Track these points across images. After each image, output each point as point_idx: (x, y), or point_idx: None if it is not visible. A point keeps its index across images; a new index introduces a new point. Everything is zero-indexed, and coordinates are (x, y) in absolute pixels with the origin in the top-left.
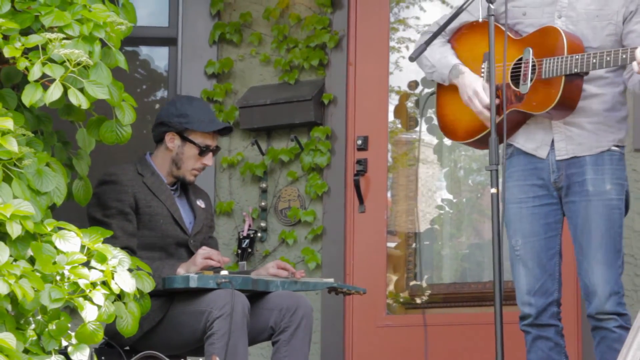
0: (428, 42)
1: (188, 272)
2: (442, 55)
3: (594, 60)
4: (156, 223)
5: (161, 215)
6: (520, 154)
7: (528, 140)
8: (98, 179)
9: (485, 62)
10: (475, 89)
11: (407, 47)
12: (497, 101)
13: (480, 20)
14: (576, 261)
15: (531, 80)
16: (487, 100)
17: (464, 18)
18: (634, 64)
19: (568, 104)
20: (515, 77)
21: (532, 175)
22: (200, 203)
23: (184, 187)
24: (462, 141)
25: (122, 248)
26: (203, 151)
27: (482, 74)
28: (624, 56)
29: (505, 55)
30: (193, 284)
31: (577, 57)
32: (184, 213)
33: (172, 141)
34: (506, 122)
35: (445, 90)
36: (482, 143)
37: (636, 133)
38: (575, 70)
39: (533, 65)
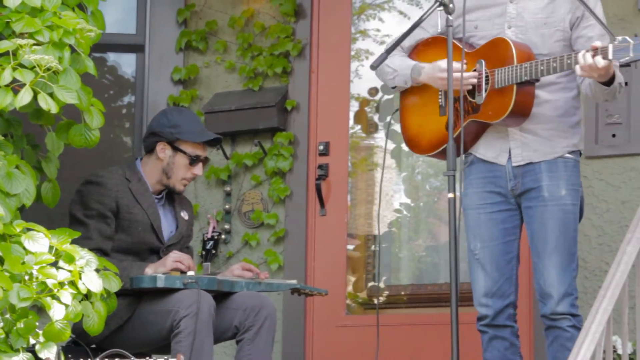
0: (389, 51)
1: (156, 272)
2: (402, 60)
3: (542, 67)
4: (134, 230)
5: (141, 223)
6: (479, 162)
7: (488, 149)
8: (85, 177)
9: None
10: (441, 66)
11: (367, 57)
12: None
13: (439, 30)
14: (532, 264)
15: (486, 90)
16: (458, 65)
17: (419, 35)
18: (577, 67)
19: (522, 111)
20: (470, 89)
21: (490, 183)
22: (184, 215)
23: (171, 197)
24: (427, 154)
25: (95, 249)
26: (193, 161)
27: (440, 94)
28: (569, 61)
29: (463, 66)
30: (160, 283)
31: (526, 65)
32: (165, 222)
33: (163, 151)
34: (466, 133)
35: (408, 105)
36: (444, 155)
37: (586, 141)
38: (525, 78)
39: (487, 76)
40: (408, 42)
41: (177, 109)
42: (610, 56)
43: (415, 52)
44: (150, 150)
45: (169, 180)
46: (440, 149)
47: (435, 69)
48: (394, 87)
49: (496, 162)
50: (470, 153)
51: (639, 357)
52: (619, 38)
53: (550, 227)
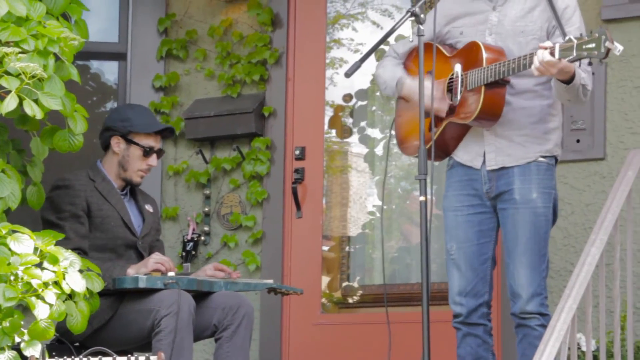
0: (362, 60)
1: (138, 273)
2: (392, 72)
3: (503, 69)
4: (107, 225)
5: (112, 218)
6: (458, 166)
7: (465, 152)
8: (52, 184)
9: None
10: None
11: (340, 65)
12: (443, 109)
13: (411, 39)
14: (505, 264)
15: (460, 92)
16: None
17: (414, 42)
18: (533, 67)
19: (491, 111)
20: (451, 91)
21: (468, 186)
22: (149, 207)
23: (133, 193)
24: (414, 155)
25: (74, 249)
26: (147, 152)
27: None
28: (524, 62)
29: (433, 72)
30: (142, 284)
31: (491, 67)
32: (133, 216)
33: (117, 145)
34: (448, 135)
35: (401, 108)
36: (430, 155)
37: None
38: (491, 79)
39: (462, 79)
40: (402, 49)
41: (129, 105)
42: (556, 55)
43: (411, 58)
44: (106, 146)
45: (126, 172)
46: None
47: (411, 91)
48: None
49: (472, 165)
50: (451, 157)
51: (601, 354)
52: (566, 37)
53: (521, 229)
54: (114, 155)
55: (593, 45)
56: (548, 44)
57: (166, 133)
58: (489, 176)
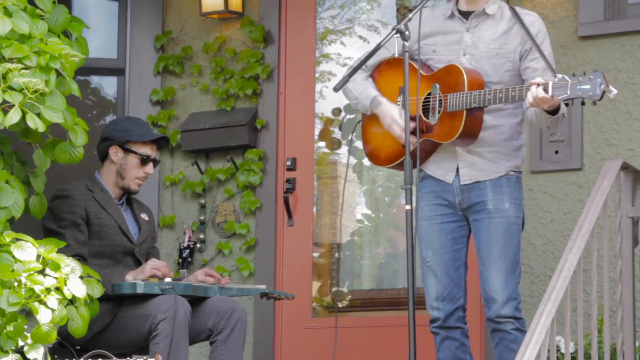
0: (350, 75)
1: (135, 279)
2: (363, 88)
3: (489, 97)
4: (105, 233)
5: (110, 226)
6: (430, 178)
7: (437, 167)
8: (52, 194)
9: (401, 95)
10: (393, 117)
11: (329, 79)
12: (413, 126)
13: (396, 55)
14: (479, 272)
15: (439, 113)
16: (403, 125)
17: (382, 54)
18: (526, 101)
19: (470, 134)
20: (426, 109)
21: (440, 197)
22: (145, 216)
23: (130, 202)
24: (385, 166)
25: (74, 256)
26: (144, 160)
27: (399, 104)
28: (514, 94)
29: (418, 90)
30: (140, 290)
31: (475, 93)
32: (130, 225)
33: (115, 154)
34: (419, 149)
35: (369, 122)
36: (402, 166)
37: (531, 156)
38: (474, 105)
39: (440, 100)
40: (371, 61)
41: (126, 117)
42: (550, 92)
43: (378, 70)
44: (104, 156)
45: (124, 180)
46: (397, 162)
47: (387, 117)
48: None
49: (443, 179)
50: (422, 169)
51: (580, 356)
52: (559, 76)
53: (495, 237)
54: (112, 164)
55: (588, 86)
56: (540, 80)
57: (162, 143)
58: (461, 189)
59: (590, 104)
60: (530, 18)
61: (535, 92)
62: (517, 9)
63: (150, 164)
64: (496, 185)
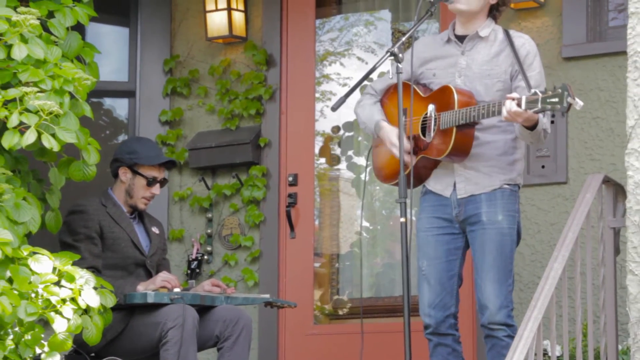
0: (347, 95)
1: (147, 289)
2: (370, 113)
3: (474, 113)
4: (118, 246)
5: (122, 240)
6: (430, 193)
7: (437, 182)
8: (68, 209)
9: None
10: (391, 140)
11: (329, 98)
12: (408, 148)
13: (390, 76)
14: (473, 280)
15: (434, 131)
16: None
17: (390, 81)
18: (501, 116)
19: (462, 149)
20: (424, 129)
21: (439, 210)
22: (155, 230)
23: (141, 216)
24: (388, 183)
25: (89, 268)
26: (150, 182)
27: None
28: (493, 109)
29: (411, 110)
30: (150, 299)
31: (463, 110)
32: (141, 238)
33: (124, 175)
34: (421, 167)
35: (376, 144)
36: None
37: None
38: (463, 121)
39: (435, 119)
40: (380, 86)
41: (137, 138)
42: (523, 106)
43: (387, 95)
44: (115, 175)
45: (132, 199)
46: (397, 180)
47: (386, 140)
48: None
49: (442, 194)
50: (424, 185)
51: (565, 359)
52: (532, 91)
53: (488, 247)
54: (122, 184)
55: (556, 99)
56: (515, 95)
57: (169, 164)
58: (458, 202)
59: (576, 119)
60: (521, 40)
61: (508, 106)
62: (511, 31)
63: (157, 185)
64: (491, 198)
